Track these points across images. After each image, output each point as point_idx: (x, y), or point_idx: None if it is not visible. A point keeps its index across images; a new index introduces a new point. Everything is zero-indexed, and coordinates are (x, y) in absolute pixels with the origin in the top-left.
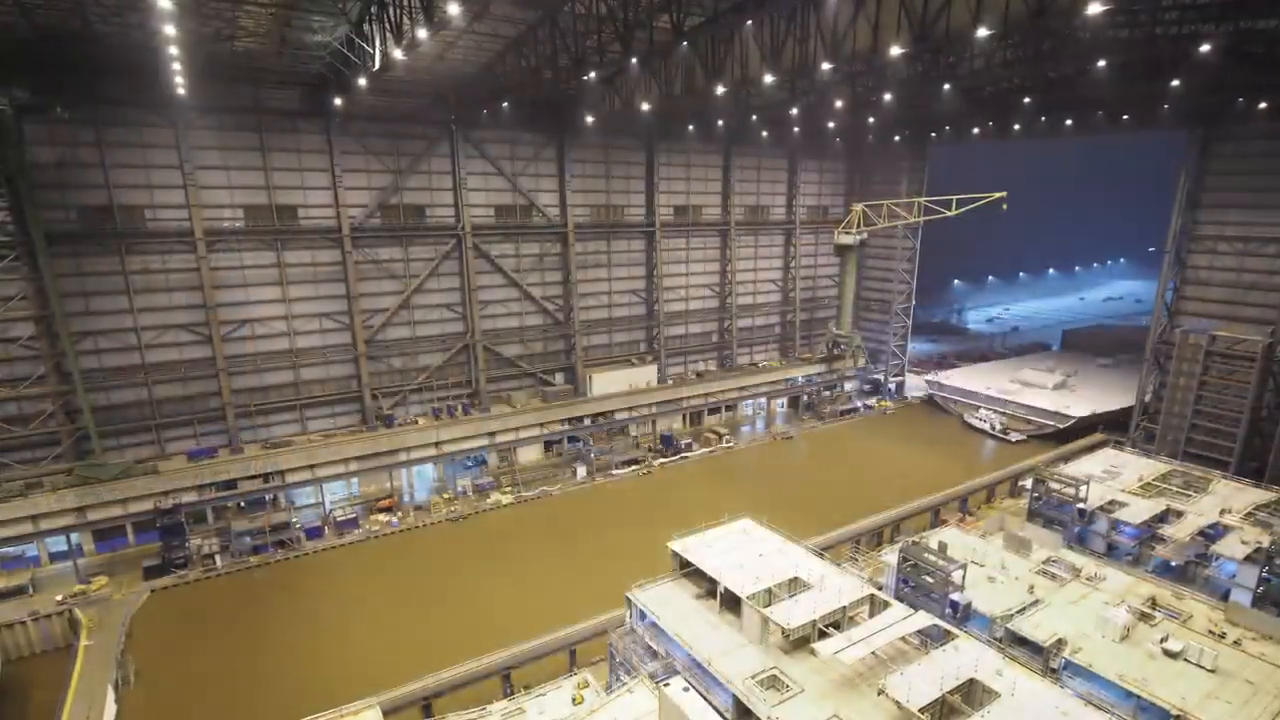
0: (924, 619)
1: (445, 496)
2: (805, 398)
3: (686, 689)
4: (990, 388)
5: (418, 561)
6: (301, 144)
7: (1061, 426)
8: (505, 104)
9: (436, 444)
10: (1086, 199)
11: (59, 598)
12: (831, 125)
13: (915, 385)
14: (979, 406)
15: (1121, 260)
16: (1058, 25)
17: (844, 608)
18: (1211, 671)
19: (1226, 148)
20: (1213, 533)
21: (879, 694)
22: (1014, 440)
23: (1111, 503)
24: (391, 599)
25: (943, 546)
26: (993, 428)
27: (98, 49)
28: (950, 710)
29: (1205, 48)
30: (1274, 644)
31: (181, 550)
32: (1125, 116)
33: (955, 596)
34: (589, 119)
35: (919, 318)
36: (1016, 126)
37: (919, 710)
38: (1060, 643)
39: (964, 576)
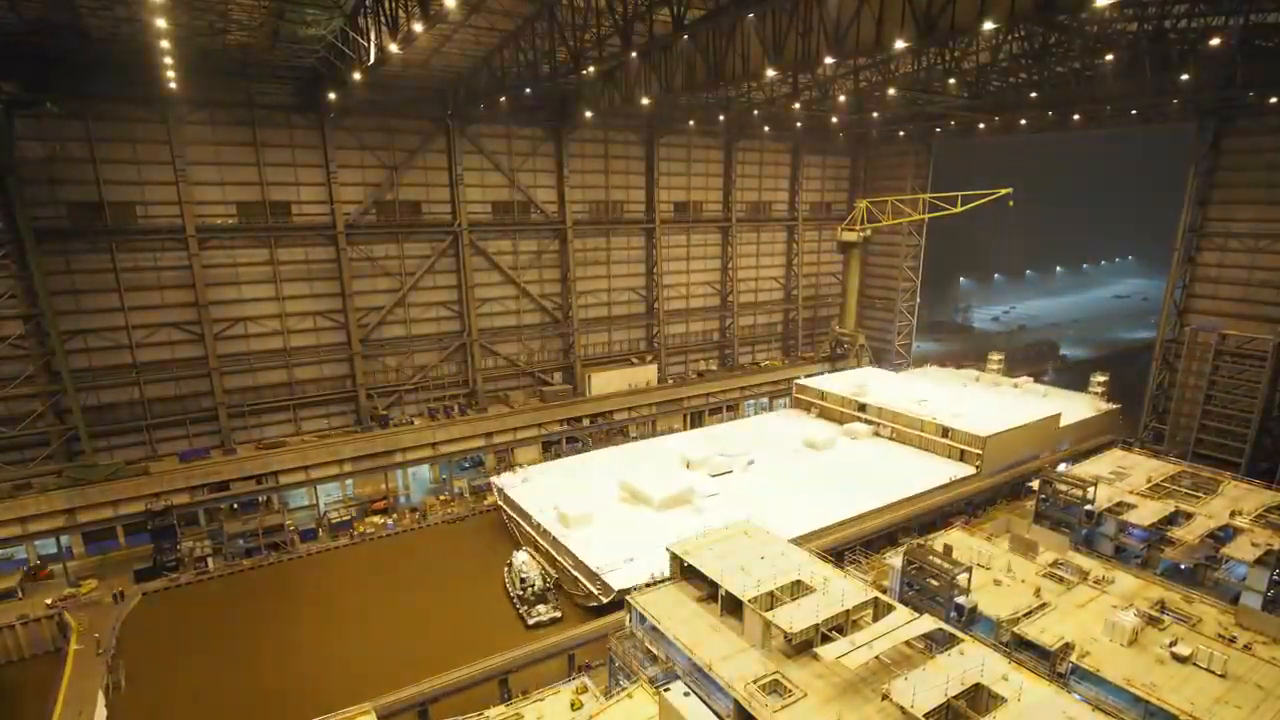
0: (929, 623)
1: (442, 498)
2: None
3: (687, 694)
4: (560, 505)
5: (414, 564)
6: (295, 139)
7: (604, 601)
8: (502, 99)
9: (433, 445)
10: (1095, 196)
11: (48, 601)
12: (835, 120)
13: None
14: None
15: (1130, 258)
16: (1065, 19)
17: (847, 611)
18: (1221, 676)
19: (1237, 143)
20: (1223, 535)
21: (883, 699)
22: (530, 623)
23: (1119, 504)
24: (388, 602)
25: (948, 549)
26: (523, 593)
27: (88, 43)
28: (956, 715)
29: (1215, 41)
30: None
31: (173, 553)
32: (1134, 111)
33: (961, 600)
34: (588, 114)
35: (924, 316)
36: (1023, 121)
37: (924, 715)
38: (1067, 647)
39: (969, 579)
